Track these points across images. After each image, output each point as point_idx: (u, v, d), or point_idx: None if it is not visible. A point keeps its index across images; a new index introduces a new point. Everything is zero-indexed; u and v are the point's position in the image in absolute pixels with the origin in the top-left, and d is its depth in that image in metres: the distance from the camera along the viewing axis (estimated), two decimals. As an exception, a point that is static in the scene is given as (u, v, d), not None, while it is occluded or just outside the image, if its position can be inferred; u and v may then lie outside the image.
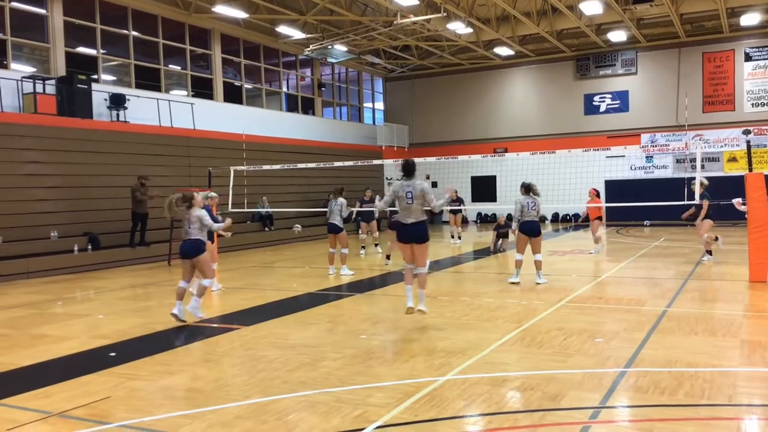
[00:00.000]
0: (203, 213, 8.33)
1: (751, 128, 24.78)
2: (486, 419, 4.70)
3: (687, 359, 6.06)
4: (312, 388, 5.45)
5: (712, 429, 4.40)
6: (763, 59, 24.90)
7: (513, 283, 11.03)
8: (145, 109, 18.54)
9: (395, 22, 21.15)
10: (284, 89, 26.17)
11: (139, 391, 5.57)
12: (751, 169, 10.70)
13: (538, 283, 10.91)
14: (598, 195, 16.47)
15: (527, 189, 11.05)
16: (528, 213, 10.90)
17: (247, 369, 6.15)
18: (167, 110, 19.13)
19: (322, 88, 27.81)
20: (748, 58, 25.14)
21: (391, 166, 29.37)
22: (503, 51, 26.95)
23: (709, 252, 13.61)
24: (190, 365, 6.36)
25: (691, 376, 5.51)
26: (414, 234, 7.64)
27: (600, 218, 16.38)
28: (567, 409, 4.81)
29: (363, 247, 17.38)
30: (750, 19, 22.82)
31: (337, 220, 12.94)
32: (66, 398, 5.37)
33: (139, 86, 19.19)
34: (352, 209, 14.28)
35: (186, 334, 7.86)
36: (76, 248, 15.26)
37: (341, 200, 13.02)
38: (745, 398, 5.03)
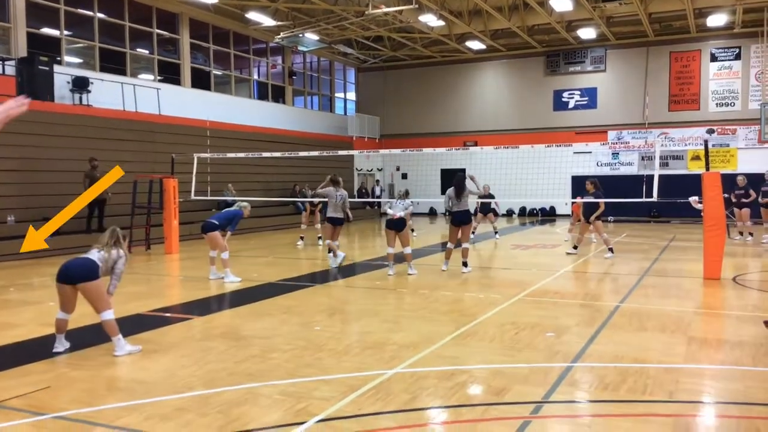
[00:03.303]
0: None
1: (714, 128, 25.21)
2: (428, 413, 4.70)
3: (634, 355, 6.13)
4: (258, 381, 5.41)
5: (648, 425, 4.45)
6: (728, 60, 25.33)
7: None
8: (110, 93, 18.19)
9: (367, 12, 21.03)
10: (255, 77, 25.90)
11: (80, 381, 5.47)
12: (708, 168, 10.88)
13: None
14: None
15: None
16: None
17: (195, 360, 6.07)
18: (132, 95, 18.79)
19: (294, 77, 27.58)
20: (713, 58, 25.55)
21: (362, 157, 29.34)
22: (475, 45, 27.01)
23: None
24: (137, 355, 6.26)
25: (636, 372, 5.58)
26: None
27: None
28: (510, 403, 4.83)
29: (302, 238, 17.01)
30: (716, 20, 23.18)
31: (341, 214, 12.42)
32: (3, 388, 5.24)
33: (104, 70, 18.82)
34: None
35: (137, 323, 7.74)
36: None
37: (345, 192, 12.60)
38: (685, 395, 5.10)
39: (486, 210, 17.72)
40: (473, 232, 17.37)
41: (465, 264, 11.66)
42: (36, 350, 6.49)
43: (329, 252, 13.25)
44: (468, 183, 11.89)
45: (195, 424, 4.47)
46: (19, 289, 10.49)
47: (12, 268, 12.90)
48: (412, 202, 11.97)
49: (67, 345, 6.46)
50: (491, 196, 17.47)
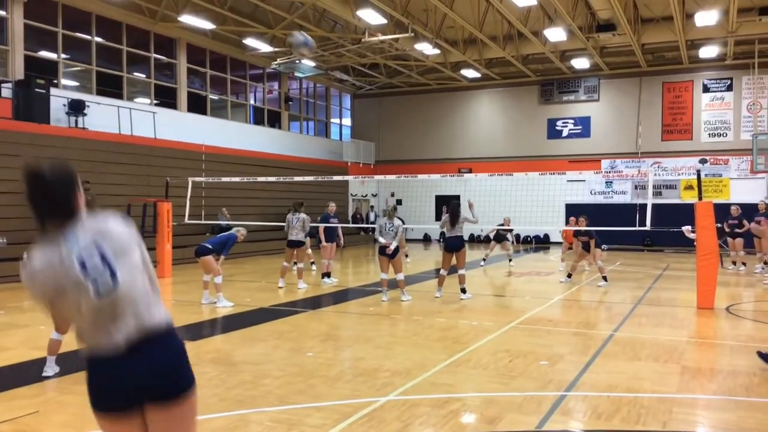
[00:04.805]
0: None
1: (707, 158, 25.41)
2: (421, 442, 4.66)
3: (627, 384, 6.10)
4: (249, 407, 5.36)
5: (642, 455, 4.42)
6: (720, 91, 25.63)
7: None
8: (106, 117, 18.25)
9: (363, 40, 21.25)
10: (251, 101, 26.05)
11: (70, 406, 5.41)
12: (700, 198, 10.95)
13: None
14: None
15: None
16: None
17: (186, 385, 6.00)
18: (128, 118, 18.85)
19: (290, 102, 27.74)
20: (705, 89, 25.85)
21: (356, 183, 29.41)
22: (470, 73, 27.26)
23: None
24: (128, 380, 6.19)
25: (630, 402, 5.55)
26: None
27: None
28: (503, 432, 4.80)
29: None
30: (708, 51, 23.48)
31: (298, 236, 12.89)
32: (-10, 412, 5.19)
33: (101, 93, 18.89)
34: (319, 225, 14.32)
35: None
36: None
37: (304, 216, 12.96)
38: (679, 425, 5.08)
39: (500, 238, 18.33)
40: (484, 259, 17.84)
41: (463, 291, 11.62)
42: (25, 374, 6.41)
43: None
44: (464, 211, 11.87)
45: (184, 451, 4.41)
46: (8, 312, 10.40)
47: (4, 291, 12.80)
48: (402, 222, 12.04)
49: (57, 369, 6.39)
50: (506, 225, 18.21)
